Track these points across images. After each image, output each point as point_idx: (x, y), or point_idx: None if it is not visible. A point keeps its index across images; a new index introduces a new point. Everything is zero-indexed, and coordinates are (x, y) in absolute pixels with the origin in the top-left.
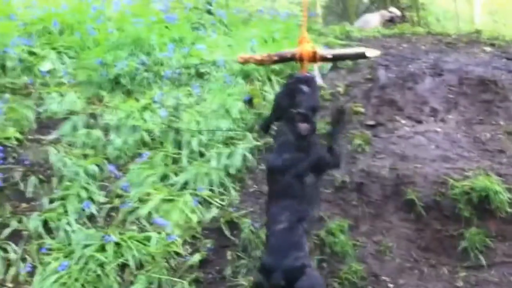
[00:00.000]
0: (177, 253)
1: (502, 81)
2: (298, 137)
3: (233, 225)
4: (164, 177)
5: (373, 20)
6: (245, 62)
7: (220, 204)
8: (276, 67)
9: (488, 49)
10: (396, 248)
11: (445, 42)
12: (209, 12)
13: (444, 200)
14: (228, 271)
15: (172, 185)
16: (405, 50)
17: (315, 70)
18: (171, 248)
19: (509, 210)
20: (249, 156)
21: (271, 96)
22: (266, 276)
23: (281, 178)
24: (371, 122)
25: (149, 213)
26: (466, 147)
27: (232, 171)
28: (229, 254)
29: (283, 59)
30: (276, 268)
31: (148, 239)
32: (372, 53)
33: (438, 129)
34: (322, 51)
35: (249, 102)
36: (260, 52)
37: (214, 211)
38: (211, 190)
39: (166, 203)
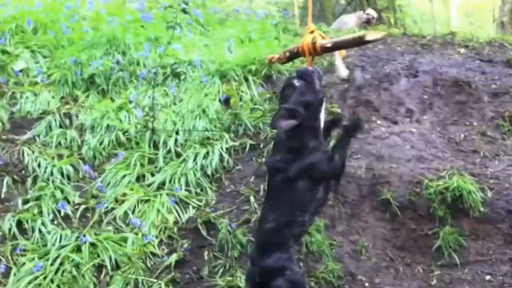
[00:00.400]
0: (154, 254)
1: (475, 82)
2: (286, 136)
3: (210, 225)
4: (140, 178)
5: (350, 21)
6: (270, 62)
7: (197, 204)
8: (252, 67)
9: (462, 50)
10: (372, 248)
11: (420, 44)
12: (184, 11)
13: (419, 199)
14: (205, 271)
15: (148, 185)
16: (381, 51)
17: (337, 61)
18: (147, 248)
19: (482, 209)
20: (226, 156)
21: (247, 96)
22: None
23: (272, 179)
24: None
25: (125, 214)
26: (440, 148)
27: (209, 171)
28: (206, 254)
29: (293, 55)
30: (256, 264)
31: (124, 239)
32: (373, 35)
33: (413, 130)
34: (321, 41)
35: (226, 102)
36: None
37: (191, 211)
38: (187, 190)
39: (143, 204)
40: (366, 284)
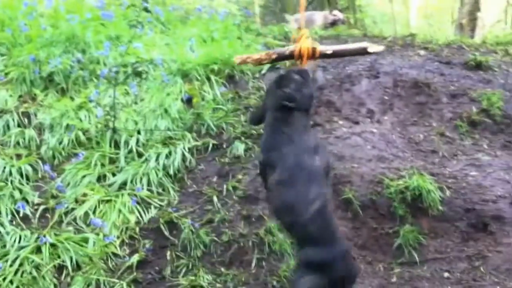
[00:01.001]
0: (115, 254)
1: (434, 84)
2: (278, 120)
3: (173, 225)
4: (101, 178)
5: (317, 20)
6: (242, 62)
7: (159, 204)
8: (215, 67)
9: (422, 52)
10: None
11: (381, 45)
12: (147, 10)
13: (380, 199)
14: (167, 271)
15: (109, 185)
16: None
17: (315, 68)
18: (108, 249)
19: (440, 208)
20: (189, 156)
21: (210, 96)
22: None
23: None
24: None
25: (86, 214)
26: (400, 148)
27: (171, 171)
28: (168, 254)
29: (282, 57)
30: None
31: (85, 240)
32: (374, 48)
33: (374, 130)
34: (322, 47)
35: (188, 101)
36: (198, 52)
37: (153, 212)
38: (149, 190)
39: (103, 204)
40: None
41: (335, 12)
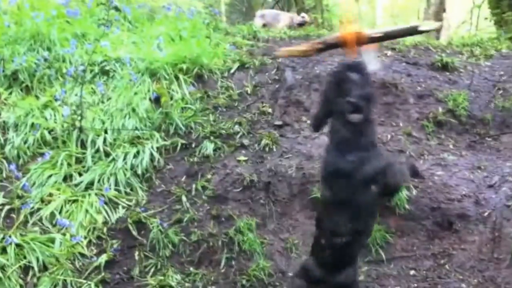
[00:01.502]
0: (83, 254)
1: (402, 84)
2: (353, 132)
3: (141, 225)
4: (67, 177)
5: (283, 20)
6: (288, 55)
7: (127, 204)
8: (183, 66)
9: (389, 53)
10: (302, 245)
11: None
12: (117, 8)
13: None
14: (136, 271)
15: (76, 185)
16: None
17: (369, 54)
18: (75, 249)
19: (407, 207)
20: (157, 155)
21: (178, 95)
22: None
23: (343, 183)
24: (278, 122)
25: (52, 214)
26: None
27: (139, 170)
28: (136, 254)
29: (328, 46)
30: (327, 281)
31: (51, 240)
32: (426, 26)
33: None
34: (369, 31)
35: (156, 101)
36: (166, 50)
37: (120, 212)
38: (117, 190)
39: (70, 204)
40: None
41: (303, 14)
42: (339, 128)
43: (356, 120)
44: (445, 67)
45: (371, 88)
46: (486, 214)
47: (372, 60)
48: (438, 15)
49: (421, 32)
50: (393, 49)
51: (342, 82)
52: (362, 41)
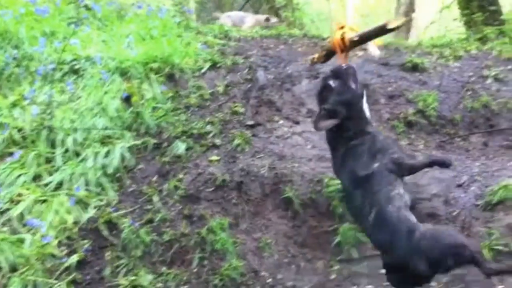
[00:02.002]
0: (53, 255)
1: (373, 85)
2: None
3: (112, 225)
4: (36, 177)
5: (247, 22)
6: (313, 63)
7: (98, 204)
8: (154, 65)
9: (360, 53)
10: (275, 245)
11: (320, 45)
12: (87, 7)
13: (320, 197)
14: (107, 272)
15: (45, 185)
16: (282, 52)
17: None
18: (46, 249)
19: None
20: (128, 155)
21: (149, 95)
22: None
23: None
24: (251, 122)
25: (21, 214)
26: None
27: (110, 170)
28: (108, 255)
29: (328, 53)
30: None
31: (21, 240)
32: (395, 23)
33: (314, 130)
34: (349, 35)
35: (127, 100)
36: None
37: (91, 212)
38: (87, 190)
39: (40, 204)
40: (269, 280)
41: (268, 16)
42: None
43: (325, 128)
44: (415, 68)
45: (351, 92)
46: (455, 213)
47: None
48: (408, 15)
49: (390, 30)
50: (364, 49)
51: (321, 90)
52: (347, 45)
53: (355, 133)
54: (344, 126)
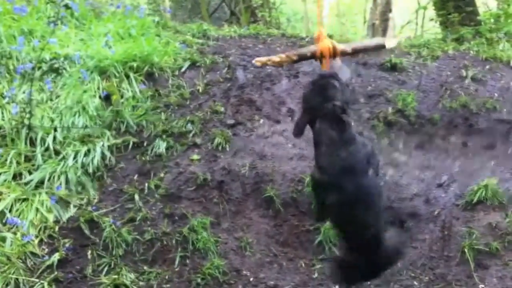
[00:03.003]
0: (34, 254)
1: (352, 84)
2: (343, 132)
3: (93, 224)
4: (17, 176)
5: None
6: (263, 64)
7: (78, 203)
8: (133, 64)
9: None
10: (256, 244)
11: (298, 45)
12: (67, 6)
13: (301, 196)
14: (89, 270)
15: (26, 183)
16: (261, 51)
17: (338, 64)
18: (27, 248)
19: None
20: (108, 154)
21: (129, 94)
22: None
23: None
24: (231, 121)
25: (2, 213)
26: None
27: (90, 169)
28: (89, 253)
29: (303, 58)
30: None
31: (2, 239)
32: (391, 42)
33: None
34: (341, 45)
35: (107, 99)
36: (115, 48)
37: (72, 210)
38: (68, 188)
39: (20, 203)
40: (251, 279)
41: None
42: (326, 130)
43: (346, 120)
44: (394, 68)
45: (348, 95)
46: (436, 213)
47: (343, 70)
48: (384, 15)
49: (385, 47)
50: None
51: (325, 89)
52: (336, 54)
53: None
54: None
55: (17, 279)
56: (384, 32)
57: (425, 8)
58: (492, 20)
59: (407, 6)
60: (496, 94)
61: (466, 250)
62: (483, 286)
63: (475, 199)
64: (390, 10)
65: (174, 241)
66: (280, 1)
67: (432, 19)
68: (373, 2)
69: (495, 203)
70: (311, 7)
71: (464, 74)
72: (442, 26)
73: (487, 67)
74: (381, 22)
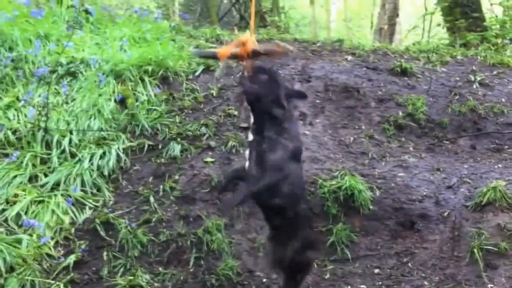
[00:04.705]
0: (50, 255)
1: (363, 88)
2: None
3: (109, 226)
4: (33, 178)
5: None
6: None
7: (94, 205)
8: (148, 68)
9: (349, 57)
10: None
11: (310, 50)
12: (87, 11)
13: (314, 198)
14: (104, 271)
15: (42, 186)
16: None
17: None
18: (43, 250)
19: (371, 207)
20: (123, 156)
21: (144, 97)
22: None
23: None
24: (244, 125)
25: (18, 215)
26: (332, 149)
27: (105, 171)
28: (105, 255)
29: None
30: None
31: (18, 241)
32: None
33: (307, 132)
34: (255, 46)
35: (122, 102)
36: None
37: (87, 212)
38: (83, 190)
39: (36, 205)
40: (264, 280)
41: None
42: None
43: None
44: (403, 72)
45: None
46: (446, 214)
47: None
48: (392, 19)
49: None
50: (353, 54)
51: (275, 79)
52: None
53: None
54: None
55: (33, 280)
56: (391, 37)
57: (432, 13)
58: (498, 26)
59: (413, 11)
60: (503, 99)
61: (475, 250)
62: (492, 285)
63: (484, 201)
64: (397, 15)
65: (189, 243)
66: (289, 6)
67: (439, 25)
68: (381, 7)
69: (504, 205)
70: (319, 12)
71: (472, 79)
72: (449, 31)
73: (495, 72)
74: (389, 28)
